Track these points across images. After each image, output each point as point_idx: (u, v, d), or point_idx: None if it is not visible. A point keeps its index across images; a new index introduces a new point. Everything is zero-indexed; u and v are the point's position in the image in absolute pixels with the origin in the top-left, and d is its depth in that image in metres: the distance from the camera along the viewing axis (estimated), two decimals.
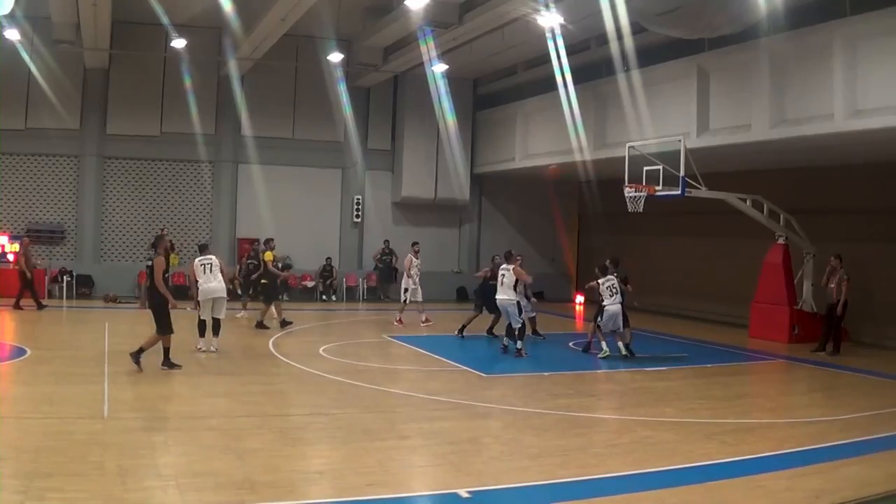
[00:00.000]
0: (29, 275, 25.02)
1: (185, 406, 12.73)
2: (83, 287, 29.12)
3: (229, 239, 31.63)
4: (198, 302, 17.77)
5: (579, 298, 32.95)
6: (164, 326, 15.31)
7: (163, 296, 15.35)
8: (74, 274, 29.13)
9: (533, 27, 23.09)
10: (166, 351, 15.43)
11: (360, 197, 33.32)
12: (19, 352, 17.09)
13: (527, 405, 13.46)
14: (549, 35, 23.30)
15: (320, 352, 18.11)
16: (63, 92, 29.33)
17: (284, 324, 22.18)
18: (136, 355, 15.10)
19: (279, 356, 17.87)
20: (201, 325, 17.83)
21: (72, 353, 17.43)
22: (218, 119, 31.37)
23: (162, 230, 28.25)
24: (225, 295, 17.95)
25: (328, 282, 31.52)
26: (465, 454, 10.40)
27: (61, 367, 15.71)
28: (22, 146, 29.34)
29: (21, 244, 26.55)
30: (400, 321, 24.03)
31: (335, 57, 28.52)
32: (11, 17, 21.49)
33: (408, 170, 33.39)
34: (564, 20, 21.88)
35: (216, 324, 17.81)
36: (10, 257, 27.67)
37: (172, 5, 25.21)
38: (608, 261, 19.48)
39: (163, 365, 15.24)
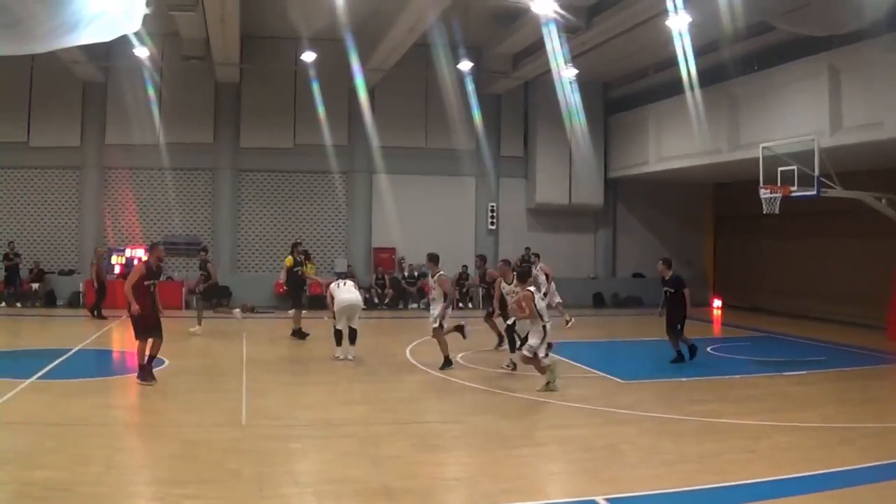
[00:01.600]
0: (96, 285, 26.18)
1: (323, 413, 12.88)
2: (220, 297, 29.82)
3: (365, 249, 32.06)
4: (334, 312, 18.09)
5: (717, 302, 32.49)
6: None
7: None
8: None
9: (662, 29, 22.86)
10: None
11: (494, 204, 33.39)
12: (157, 362, 17.60)
13: (664, 411, 13.28)
14: (678, 36, 23.01)
15: (457, 359, 18.08)
16: (196, 107, 30.35)
17: (298, 334, 21.92)
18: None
19: (416, 363, 18.01)
20: (338, 335, 18.10)
21: (210, 363, 17.94)
22: (350, 130, 31.82)
23: (297, 241, 28.97)
24: (361, 304, 18.27)
25: (465, 289, 31.61)
26: (601, 461, 10.31)
27: (199, 376, 16.23)
28: (158, 160, 30.34)
29: (95, 253, 27.65)
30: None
31: (465, 65, 28.71)
32: (141, 34, 22.19)
33: (541, 176, 33.39)
34: (692, 21, 21.61)
35: (352, 333, 18.06)
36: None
37: (301, 19, 25.69)
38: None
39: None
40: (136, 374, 15.32)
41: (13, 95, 30.83)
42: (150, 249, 16.50)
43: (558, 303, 23.67)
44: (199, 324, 22.53)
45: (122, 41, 22.23)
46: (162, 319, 15.51)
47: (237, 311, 23.59)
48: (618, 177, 33.93)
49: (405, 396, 14.66)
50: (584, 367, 17.95)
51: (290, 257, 22.79)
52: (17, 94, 30.84)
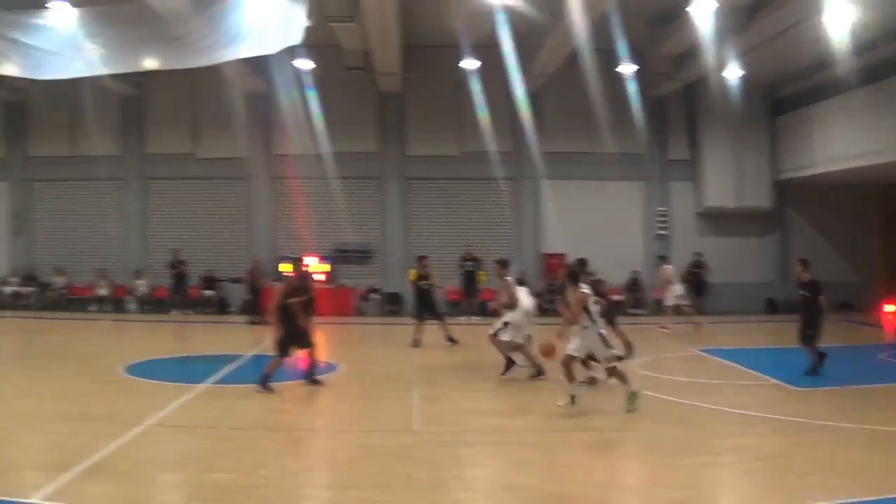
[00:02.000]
0: (249, 295, 26.72)
1: (495, 420, 12.92)
2: (392, 304, 30.35)
3: (534, 255, 32.00)
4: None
5: (889, 307, 31.34)
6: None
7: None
8: (382, 292, 30.46)
9: (824, 27, 22.34)
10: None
11: (662, 209, 32.87)
12: (330, 367, 17.98)
13: (839, 419, 12.83)
14: (840, 34, 22.22)
15: (631, 366, 17.80)
16: (360, 117, 31.03)
17: (417, 343, 21.75)
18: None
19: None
20: None
21: (382, 369, 18.29)
22: (514, 136, 31.80)
23: (469, 246, 29.84)
24: (534, 311, 18.17)
25: (636, 295, 31.22)
26: (775, 470, 10.07)
27: (372, 382, 16.54)
28: (326, 170, 30.90)
29: (253, 263, 28.49)
30: (664, 327, 25.14)
31: (627, 68, 28.39)
32: (303, 46, 22.65)
33: (709, 179, 32.74)
34: (855, 18, 20.87)
35: (529, 341, 17.96)
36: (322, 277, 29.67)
37: (461, 26, 25.75)
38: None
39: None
40: (306, 379, 15.72)
41: (180, 108, 32.12)
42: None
43: (670, 306, 24.28)
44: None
45: (285, 53, 22.92)
46: (329, 327, 15.78)
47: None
48: (786, 179, 32.94)
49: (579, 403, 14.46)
50: (757, 373, 17.58)
51: (413, 270, 22.90)
52: (184, 106, 32.15)
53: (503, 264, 18.15)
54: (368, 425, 12.38)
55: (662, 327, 25.62)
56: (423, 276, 22.20)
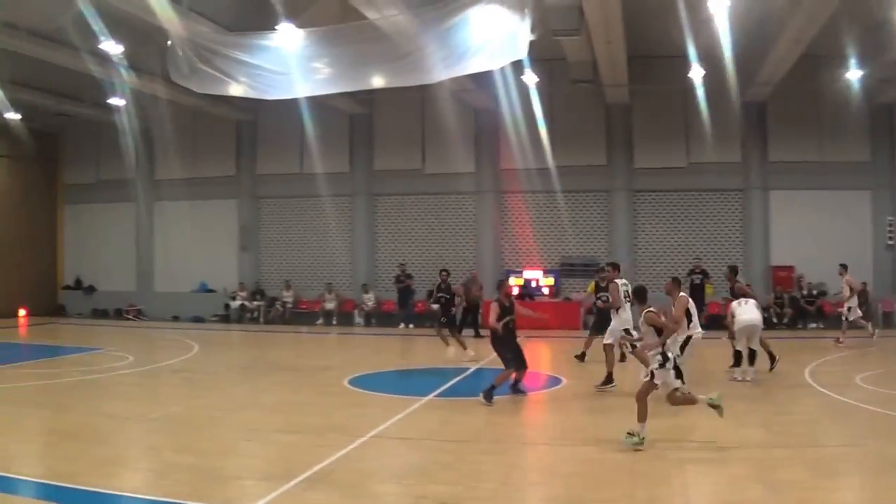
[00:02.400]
0: (461, 306, 26.71)
1: (718, 436, 12.63)
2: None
3: (762, 267, 31.19)
4: (733, 332, 17.86)
5: None
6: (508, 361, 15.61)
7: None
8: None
9: None
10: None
11: (892, 218, 31.38)
12: (555, 381, 18.08)
13: None
14: None
15: (857, 380, 17.34)
16: (587, 130, 31.09)
17: (582, 356, 21.14)
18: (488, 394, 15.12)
19: (814, 385, 17.34)
20: (737, 355, 17.90)
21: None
22: (743, 146, 31.16)
23: (697, 259, 29.34)
24: (761, 325, 17.81)
25: (864, 308, 29.94)
26: None
27: (595, 396, 16.46)
28: (552, 184, 31.18)
29: (471, 275, 28.55)
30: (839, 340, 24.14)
31: (853, 74, 27.47)
32: (528, 60, 22.83)
33: None
34: None
35: (751, 354, 17.69)
36: (545, 290, 29.85)
37: (686, 36, 25.31)
38: None
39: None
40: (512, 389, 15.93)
41: (408, 124, 32.98)
42: (499, 286, 16.96)
43: (857, 317, 23.45)
44: (465, 349, 21.97)
45: (511, 68, 23.16)
46: (554, 341, 15.91)
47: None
48: None
49: (802, 419, 14.16)
50: None
51: (593, 283, 22.47)
52: (411, 122, 33.07)
53: (615, 267, 18.36)
54: (590, 439, 12.34)
55: (838, 341, 24.41)
56: (601, 289, 21.79)
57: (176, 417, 14.16)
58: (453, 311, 24.20)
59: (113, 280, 38.31)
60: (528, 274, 31.25)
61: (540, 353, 24.16)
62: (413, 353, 25.35)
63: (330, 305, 33.56)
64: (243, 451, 11.85)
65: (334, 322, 33.45)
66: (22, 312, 37.06)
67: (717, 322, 23.81)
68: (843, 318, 24.70)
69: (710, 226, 31.77)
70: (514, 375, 15.76)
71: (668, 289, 16.52)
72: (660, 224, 31.96)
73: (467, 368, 20.19)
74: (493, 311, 15.95)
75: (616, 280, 18.04)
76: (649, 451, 11.48)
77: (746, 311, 17.68)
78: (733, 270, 21.24)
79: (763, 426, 13.43)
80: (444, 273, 24.73)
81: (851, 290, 24.59)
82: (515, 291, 30.18)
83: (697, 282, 28.63)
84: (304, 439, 12.39)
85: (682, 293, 16.35)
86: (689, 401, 12.24)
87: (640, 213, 32.08)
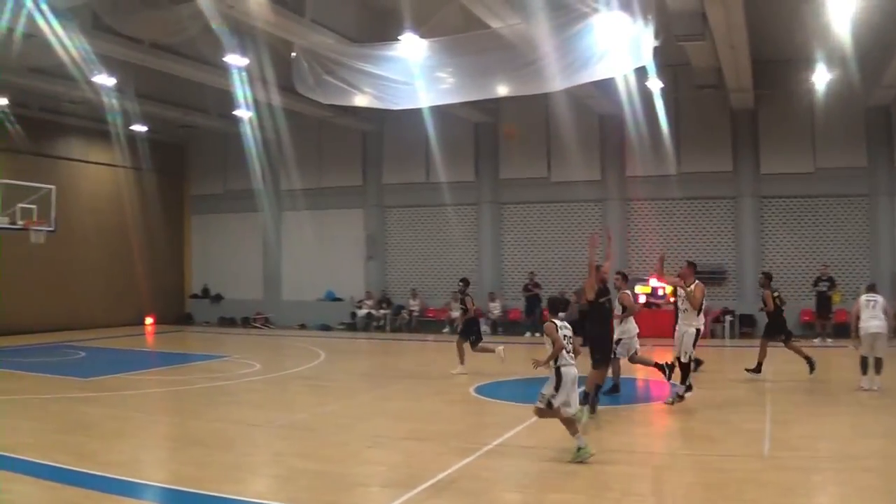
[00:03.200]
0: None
1: (844, 446, 12.47)
2: (745, 327, 29.72)
3: (890, 274, 30.32)
4: (858, 339, 17.50)
5: None
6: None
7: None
8: (736, 314, 30.08)
9: None
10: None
11: None
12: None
13: None
14: None
15: None
16: (712, 136, 30.88)
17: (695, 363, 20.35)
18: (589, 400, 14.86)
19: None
20: (863, 363, 17.52)
21: (733, 392, 18.03)
22: (869, 150, 30.36)
23: (825, 266, 28.87)
24: (885, 332, 17.37)
25: None
26: None
27: (722, 404, 16.29)
28: (677, 191, 31.27)
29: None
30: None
31: None
32: (652, 66, 22.70)
33: None
34: None
35: (878, 362, 17.35)
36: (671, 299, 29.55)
37: (810, 39, 24.85)
38: None
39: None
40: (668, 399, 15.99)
41: (532, 132, 33.16)
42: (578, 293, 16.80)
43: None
44: (462, 363, 21.25)
45: (635, 74, 23.04)
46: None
47: (500, 348, 22.30)
48: None
49: None
50: None
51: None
52: (536, 130, 33.39)
53: (624, 277, 17.93)
54: (717, 449, 12.30)
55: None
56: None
57: (302, 424, 14.45)
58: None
59: (240, 289, 39.21)
60: (654, 282, 30.95)
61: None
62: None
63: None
64: (368, 458, 12.05)
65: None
66: (149, 320, 38.26)
67: (845, 331, 23.21)
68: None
69: (836, 232, 31.02)
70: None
71: (683, 273, 16.49)
72: (786, 231, 31.42)
73: None
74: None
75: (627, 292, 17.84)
76: (777, 461, 11.40)
77: (869, 318, 17.33)
78: (768, 277, 21.18)
79: (889, 436, 13.26)
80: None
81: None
82: (642, 300, 30.07)
83: (824, 289, 28.15)
84: (428, 447, 12.54)
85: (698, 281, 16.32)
86: (556, 416, 11.71)
87: (767, 220, 31.60)
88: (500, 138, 34.56)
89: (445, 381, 19.83)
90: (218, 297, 40.40)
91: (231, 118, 33.32)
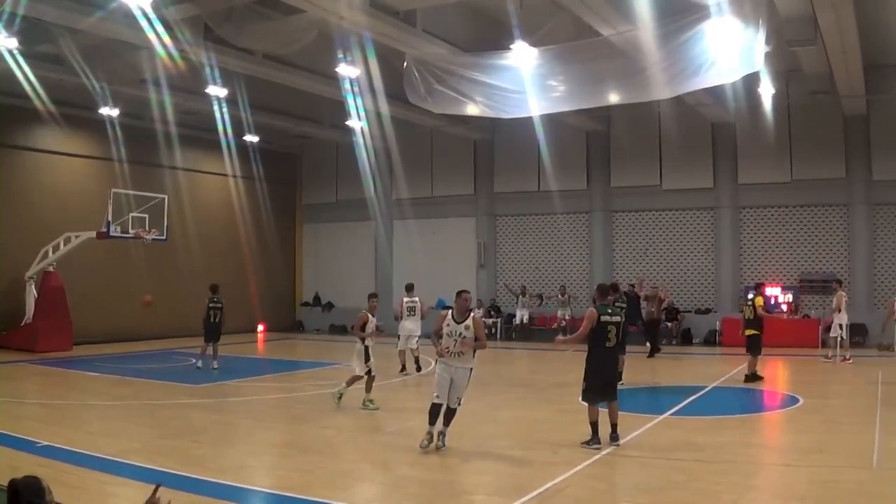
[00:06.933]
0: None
1: None
2: (856, 336, 28.94)
3: None
4: None
5: None
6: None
7: None
8: (847, 323, 29.20)
9: None
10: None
11: None
12: (792, 400, 17.69)
13: None
14: None
15: None
16: (825, 142, 30.52)
17: (753, 377, 20.61)
18: None
19: None
20: None
21: (844, 402, 18.05)
22: None
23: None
24: None
25: None
26: None
27: (833, 415, 16.25)
28: (789, 198, 30.94)
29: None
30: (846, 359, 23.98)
31: None
32: (764, 72, 22.48)
33: None
34: None
35: None
36: (784, 307, 29.11)
37: None
38: None
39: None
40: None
41: (644, 140, 33.21)
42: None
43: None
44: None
45: (747, 80, 22.71)
46: (793, 359, 15.57)
47: None
48: None
49: None
50: None
51: (759, 297, 21.79)
52: (648, 138, 33.28)
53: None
54: (825, 460, 12.15)
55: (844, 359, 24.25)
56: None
57: (411, 432, 14.51)
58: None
59: (351, 297, 39.47)
60: (767, 291, 30.44)
61: (777, 372, 23.79)
62: (650, 370, 25.07)
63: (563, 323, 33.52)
64: (476, 467, 12.12)
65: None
66: (260, 328, 38.92)
67: None
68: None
69: None
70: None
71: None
72: None
73: (704, 387, 20.04)
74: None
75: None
76: (887, 472, 11.35)
77: None
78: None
79: None
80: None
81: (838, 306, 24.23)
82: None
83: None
84: (538, 455, 12.56)
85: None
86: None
87: (880, 227, 30.94)
88: (612, 145, 34.51)
89: (555, 390, 19.93)
90: (329, 305, 40.97)
91: (343, 128, 33.83)
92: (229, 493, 10.32)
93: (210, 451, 13.04)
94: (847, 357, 24.40)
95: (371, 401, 17.03)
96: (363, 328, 17.28)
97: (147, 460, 11.93)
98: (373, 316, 17.72)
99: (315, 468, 11.81)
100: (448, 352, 12.69)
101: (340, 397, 17.19)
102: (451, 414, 12.82)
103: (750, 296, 22.54)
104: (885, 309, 27.77)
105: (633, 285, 27.02)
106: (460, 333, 12.74)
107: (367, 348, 17.26)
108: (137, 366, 24.50)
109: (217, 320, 23.71)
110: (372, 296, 18.83)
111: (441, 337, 12.92)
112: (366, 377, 17.17)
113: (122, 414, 16.72)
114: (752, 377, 20.60)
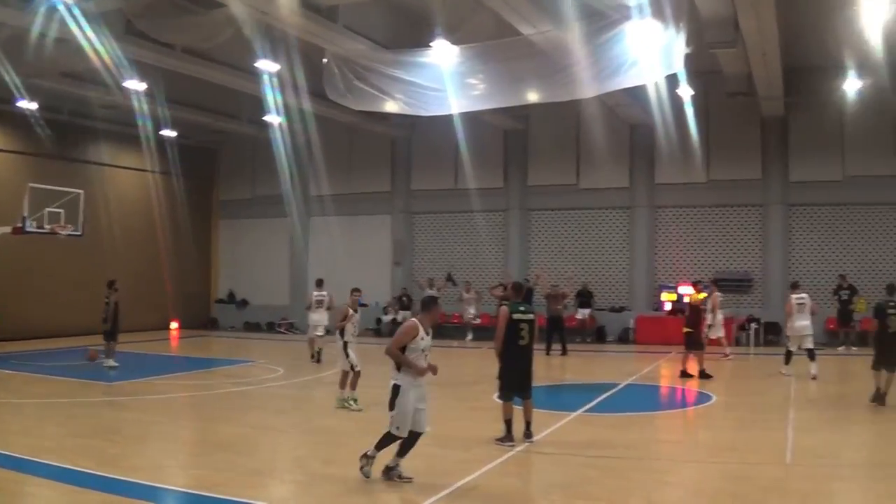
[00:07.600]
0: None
1: (871, 454, 12.54)
2: (770, 334, 29.57)
3: None
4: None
5: None
6: None
7: None
8: (761, 321, 29.97)
9: None
10: None
11: None
12: (705, 398, 17.93)
13: None
14: None
15: None
16: (742, 143, 31.02)
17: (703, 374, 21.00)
18: None
19: None
20: None
21: (756, 400, 18.16)
22: None
23: (842, 276, 28.83)
24: None
25: None
26: None
27: (746, 412, 16.46)
28: (705, 199, 31.62)
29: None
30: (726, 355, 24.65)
31: None
32: (683, 73, 22.78)
33: None
34: None
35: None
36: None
37: (841, 46, 24.72)
38: None
39: None
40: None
41: (563, 139, 33.23)
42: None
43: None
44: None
45: (666, 81, 23.00)
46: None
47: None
48: None
49: None
50: None
51: (703, 293, 22.48)
52: (566, 137, 33.40)
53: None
54: (740, 457, 12.32)
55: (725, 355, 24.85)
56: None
57: (325, 429, 14.48)
58: None
59: (266, 294, 39.34)
60: (681, 290, 30.85)
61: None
62: (564, 368, 25.28)
63: (476, 321, 33.49)
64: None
65: (484, 336, 33.46)
66: (173, 325, 38.48)
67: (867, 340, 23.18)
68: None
69: (868, 242, 30.69)
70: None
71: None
72: (815, 239, 31.33)
73: (617, 384, 20.24)
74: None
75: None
76: (800, 469, 11.55)
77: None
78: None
79: None
80: None
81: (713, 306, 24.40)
82: (668, 307, 30.22)
83: (845, 297, 27.98)
84: (451, 453, 12.57)
85: None
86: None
87: (795, 228, 31.52)
88: (530, 144, 34.77)
89: (468, 388, 19.86)
90: (244, 303, 40.57)
91: (261, 123, 33.50)
92: (144, 492, 10.20)
93: (125, 449, 12.86)
94: (727, 354, 24.94)
95: (354, 399, 16.54)
96: (344, 322, 17.02)
97: (62, 459, 11.75)
98: (354, 311, 17.37)
99: (230, 467, 11.66)
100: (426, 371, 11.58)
101: (346, 402, 16.60)
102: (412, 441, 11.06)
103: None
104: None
105: (527, 279, 27.31)
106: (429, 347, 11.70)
107: (346, 344, 16.93)
108: (53, 363, 24.20)
109: (104, 317, 23.47)
110: (354, 290, 18.11)
111: (404, 352, 11.44)
112: (351, 374, 16.77)
113: (37, 412, 16.41)
114: (703, 374, 20.95)
